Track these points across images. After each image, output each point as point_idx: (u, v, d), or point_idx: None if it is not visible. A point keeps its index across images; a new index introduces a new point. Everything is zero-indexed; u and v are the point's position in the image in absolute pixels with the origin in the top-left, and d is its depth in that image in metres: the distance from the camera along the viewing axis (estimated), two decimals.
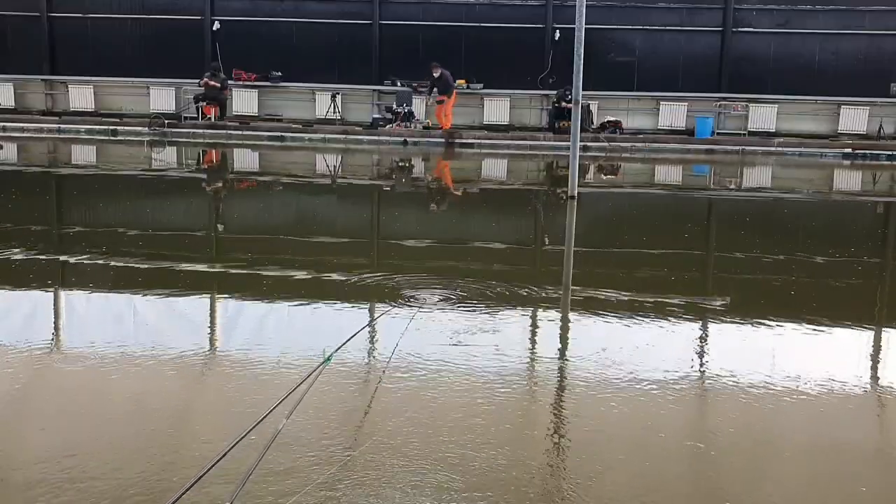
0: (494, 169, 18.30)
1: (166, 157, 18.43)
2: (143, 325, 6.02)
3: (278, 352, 5.26)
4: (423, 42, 22.60)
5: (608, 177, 17.14)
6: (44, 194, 12.77)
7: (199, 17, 23.05)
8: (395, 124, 21.11)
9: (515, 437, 4.13)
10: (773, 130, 21.42)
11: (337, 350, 4.44)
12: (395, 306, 6.30)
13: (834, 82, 21.42)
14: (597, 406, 4.52)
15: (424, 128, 21.23)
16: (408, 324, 5.75)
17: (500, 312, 6.29)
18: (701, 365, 5.40)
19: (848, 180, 17.75)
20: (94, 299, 6.74)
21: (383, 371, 4.95)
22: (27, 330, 5.78)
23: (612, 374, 4.98)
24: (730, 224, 11.61)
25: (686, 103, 21.83)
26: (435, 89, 21.04)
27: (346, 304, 6.62)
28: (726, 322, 6.36)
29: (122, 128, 21.23)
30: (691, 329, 6.27)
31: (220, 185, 14.81)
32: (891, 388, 5.09)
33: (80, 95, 22.94)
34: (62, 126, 21.50)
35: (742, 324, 6.26)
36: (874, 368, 5.49)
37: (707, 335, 6.11)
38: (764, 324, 6.18)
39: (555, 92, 21.45)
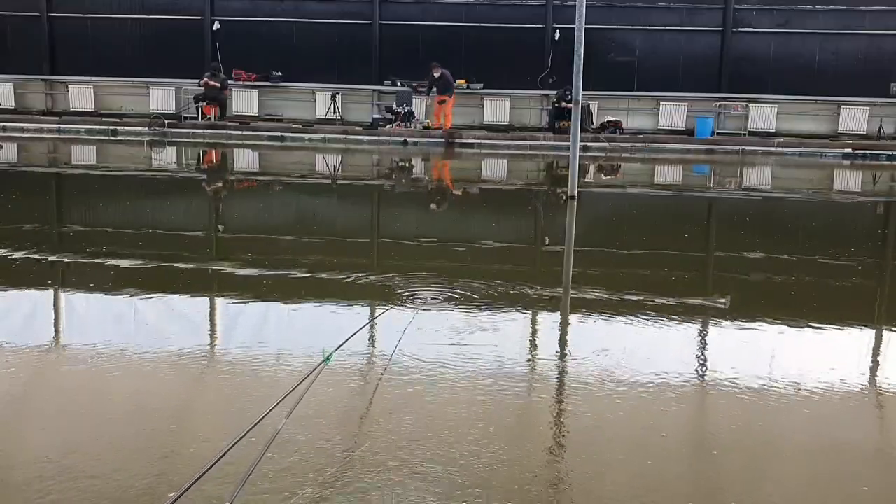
0: (494, 169, 18.30)
1: (166, 157, 18.44)
2: (143, 325, 6.02)
3: (278, 351, 5.26)
4: (423, 42, 22.62)
5: (608, 177, 17.14)
6: (44, 194, 12.78)
7: (199, 17, 23.06)
8: (395, 124, 21.12)
9: (516, 436, 4.13)
10: (773, 130, 21.44)
11: (337, 350, 4.43)
12: (395, 306, 6.31)
13: (834, 82, 21.44)
14: (597, 406, 4.52)
15: (424, 128, 21.24)
16: (408, 323, 5.74)
17: (501, 312, 6.29)
18: (701, 365, 5.40)
19: (848, 180, 17.74)
20: (94, 299, 6.74)
21: (383, 370, 4.95)
22: (27, 330, 5.79)
23: (613, 373, 4.97)
24: (730, 224, 11.61)
25: (686, 103, 21.85)
26: (434, 89, 21.06)
27: (346, 304, 6.61)
28: (726, 322, 6.36)
29: (122, 128, 21.25)
30: (691, 329, 6.27)
31: (220, 185, 14.81)
32: (891, 388, 5.09)
33: (80, 95, 22.96)
34: (62, 126, 21.51)
35: (742, 324, 6.25)
36: (874, 368, 5.48)
37: (707, 335, 6.11)
38: (764, 324, 6.18)
39: (555, 92, 21.47)
